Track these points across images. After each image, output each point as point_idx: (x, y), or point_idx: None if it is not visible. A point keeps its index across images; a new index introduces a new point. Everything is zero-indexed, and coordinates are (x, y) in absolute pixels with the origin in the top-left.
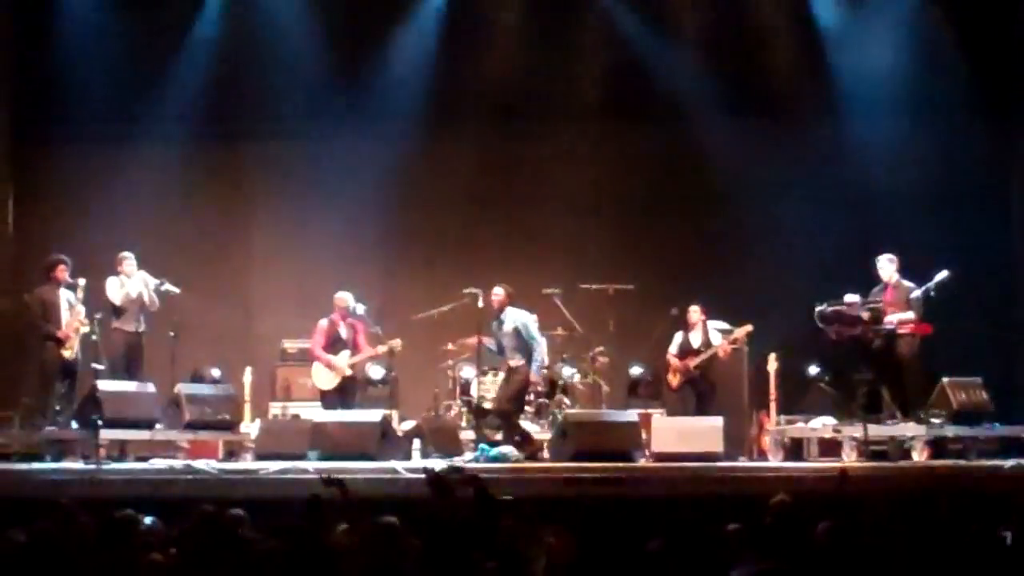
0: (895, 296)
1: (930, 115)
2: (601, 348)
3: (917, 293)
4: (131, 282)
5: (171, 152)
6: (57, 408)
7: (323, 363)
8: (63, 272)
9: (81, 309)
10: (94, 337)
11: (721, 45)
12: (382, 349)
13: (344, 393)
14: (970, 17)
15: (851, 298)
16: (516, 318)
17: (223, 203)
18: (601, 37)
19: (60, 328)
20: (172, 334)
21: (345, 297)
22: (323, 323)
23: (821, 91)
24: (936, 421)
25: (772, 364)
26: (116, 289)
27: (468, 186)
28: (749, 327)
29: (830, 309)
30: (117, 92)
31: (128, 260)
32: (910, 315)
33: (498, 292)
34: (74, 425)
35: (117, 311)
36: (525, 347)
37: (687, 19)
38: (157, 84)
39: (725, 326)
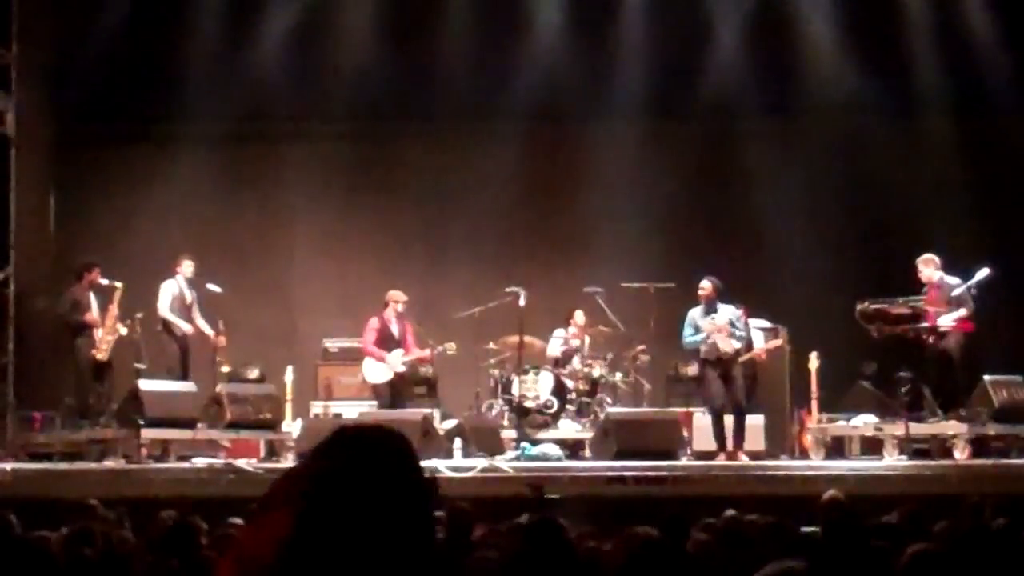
0: (939, 295)
1: (974, 112)
2: (643, 347)
3: (960, 289)
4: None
5: (212, 152)
6: (95, 407)
7: (376, 358)
8: (96, 275)
9: (115, 312)
10: (135, 338)
11: (762, 43)
12: (439, 350)
13: (396, 390)
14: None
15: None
16: (730, 311)
17: (265, 203)
18: (643, 35)
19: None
20: (214, 333)
21: (398, 295)
22: (374, 321)
23: (862, 89)
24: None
25: (813, 362)
26: (172, 293)
27: (509, 185)
28: (780, 340)
29: (872, 307)
30: (158, 92)
31: (188, 263)
32: (962, 312)
33: (706, 285)
34: (115, 424)
35: (173, 313)
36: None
37: (730, 17)
38: (199, 84)
39: (765, 324)
